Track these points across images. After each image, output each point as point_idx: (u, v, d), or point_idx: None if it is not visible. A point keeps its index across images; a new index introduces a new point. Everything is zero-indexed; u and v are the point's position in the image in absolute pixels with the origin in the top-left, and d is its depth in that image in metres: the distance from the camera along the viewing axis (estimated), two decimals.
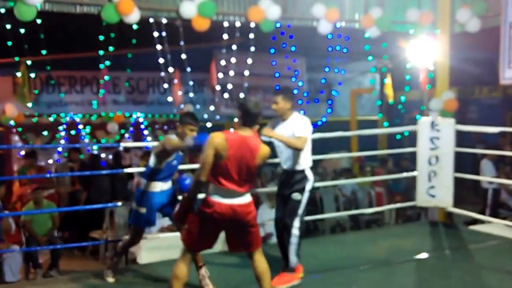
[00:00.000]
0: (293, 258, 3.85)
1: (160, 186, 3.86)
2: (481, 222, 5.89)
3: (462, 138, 6.01)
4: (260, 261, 3.26)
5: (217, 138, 3.13)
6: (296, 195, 3.87)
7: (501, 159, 7.89)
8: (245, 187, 3.20)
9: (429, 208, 5.96)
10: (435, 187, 5.58)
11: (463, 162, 7.30)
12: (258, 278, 3.25)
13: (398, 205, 6.60)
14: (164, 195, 3.90)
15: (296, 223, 3.84)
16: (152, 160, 3.83)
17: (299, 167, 3.93)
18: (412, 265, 4.22)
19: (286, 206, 3.92)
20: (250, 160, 3.18)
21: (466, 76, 9.71)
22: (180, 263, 3.19)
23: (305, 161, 3.95)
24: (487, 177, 7.00)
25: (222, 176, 3.13)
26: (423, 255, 4.61)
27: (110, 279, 4.00)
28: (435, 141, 5.65)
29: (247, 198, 3.23)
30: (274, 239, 6.04)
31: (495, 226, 5.44)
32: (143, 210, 3.83)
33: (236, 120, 3.27)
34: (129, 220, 4.03)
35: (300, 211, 3.87)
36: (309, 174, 3.94)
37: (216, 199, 3.14)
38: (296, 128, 3.88)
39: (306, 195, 3.90)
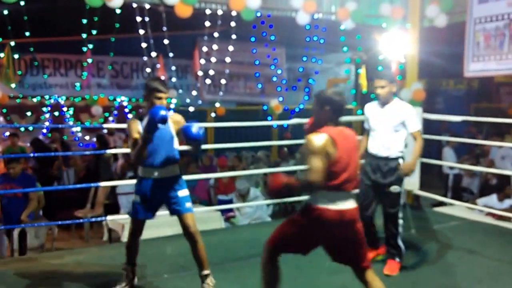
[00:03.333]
0: (402, 246, 3.76)
1: (152, 172, 3.17)
2: (445, 204, 6.04)
3: (429, 127, 6.12)
4: (375, 280, 2.71)
5: (320, 140, 2.55)
6: (395, 188, 3.66)
7: (464, 147, 8.11)
8: (353, 187, 2.69)
9: None
10: None
11: (430, 150, 7.46)
12: None
13: None
14: (160, 184, 3.18)
15: (400, 214, 3.75)
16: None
17: (394, 155, 3.66)
18: (381, 244, 4.30)
19: (383, 197, 3.74)
20: (355, 154, 2.70)
21: (433, 69, 9.88)
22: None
23: (401, 148, 3.70)
24: (450, 163, 7.18)
25: (330, 178, 2.57)
26: None
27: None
28: None
29: (355, 202, 2.70)
30: (242, 221, 6.08)
31: (457, 208, 5.61)
32: (136, 198, 3.24)
33: (318, 115, 2.73)
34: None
35: (401, 201, 3.76)
36: (402, 162, 3.70)
37: (323, 205, 2.59)
38: (410, 120, 3.64)
39: (404, 185, 3.76)
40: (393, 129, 3.67)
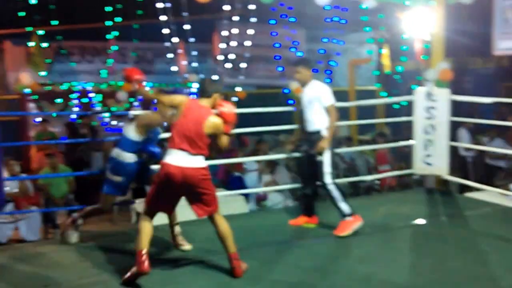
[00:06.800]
0: (343, 206, 3.96)
1: (134, 158, 3.72)
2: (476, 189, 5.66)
3: (459, 109, 5.73)
4: (221, 223, 3.22)
5: (180, 97, 3.30)
6: (318, 157, 4.00)
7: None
8: (196, 151, 3.14)
9: (426, 175, 5.72)
10: (431, 156, 5.36)
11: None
12: (221, 238, 3.22)
13: (396, 172, 6.38)
14: (135, 166, 3.75)
15: (328, 180, 3.99)
16: (133, 132, 3.66)
17: (315, 128, 4.05)
18: (409, 231, 4.05)
19: (315, 166, 4.03)
20: (197, 126, 3.16)
21: (460, 47, 9.32)
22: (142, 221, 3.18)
23: (321, 122, 4.03)
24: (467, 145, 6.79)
25: (175, 137, 3.15)
26: (420, 221, 4.42)
27: (74, 239, 3.87)
28: (431, 110, 5.39)
29: (199, 162, 3.15)
30: (268, 202, 6.10)
31: (489, 194, 5.22)
32: (119, 179, 3.72)
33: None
34: (103, 189, 3.81)
35: (326, 169, 4.00)
36: (325, 134, 4.01)
37: (168, 160, 3.13)
38: (322, 96, 4.03)
39: (326, 154, 3.99)
40: (310, 106, 4.06)
